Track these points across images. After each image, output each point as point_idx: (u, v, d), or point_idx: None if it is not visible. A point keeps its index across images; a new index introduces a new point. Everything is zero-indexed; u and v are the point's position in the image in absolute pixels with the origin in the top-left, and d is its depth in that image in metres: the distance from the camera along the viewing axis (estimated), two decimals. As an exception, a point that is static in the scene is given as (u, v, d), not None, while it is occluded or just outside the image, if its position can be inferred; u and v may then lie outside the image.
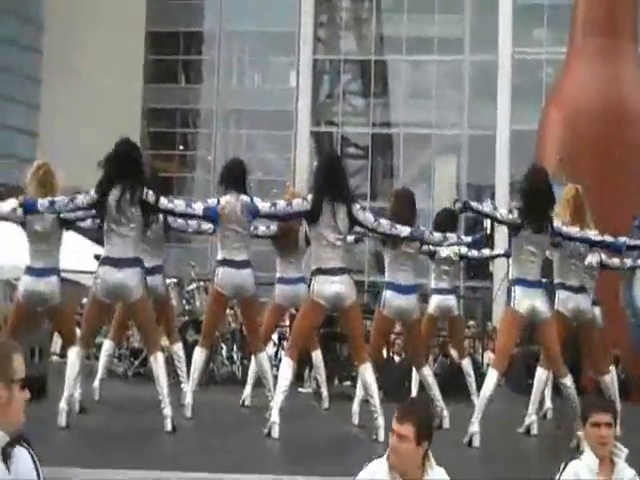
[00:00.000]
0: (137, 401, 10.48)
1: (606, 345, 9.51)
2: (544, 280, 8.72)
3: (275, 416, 8.04)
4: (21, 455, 3.77)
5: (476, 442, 8.07)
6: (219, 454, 7.24)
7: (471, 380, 10.75)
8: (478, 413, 8.18)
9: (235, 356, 13.97)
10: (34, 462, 3.62)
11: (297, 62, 45.32)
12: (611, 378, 8.97)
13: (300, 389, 12.90)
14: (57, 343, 15.49)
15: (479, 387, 9.42)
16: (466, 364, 10.96)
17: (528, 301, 8.37)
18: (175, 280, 13.93)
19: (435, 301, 10.82)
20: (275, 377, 10.01)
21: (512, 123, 40.88)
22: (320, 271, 8.39)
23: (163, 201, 8.27)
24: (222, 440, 8.08)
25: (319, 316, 8.59)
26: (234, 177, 9.25)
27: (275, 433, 7.92)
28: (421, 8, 43.51)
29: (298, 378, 13.05)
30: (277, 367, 12.56)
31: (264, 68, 48.26)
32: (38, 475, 3.60)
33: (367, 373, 8.44)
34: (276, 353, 14.52)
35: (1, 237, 12.91)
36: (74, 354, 8.29)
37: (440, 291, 10.77)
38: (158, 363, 8.32)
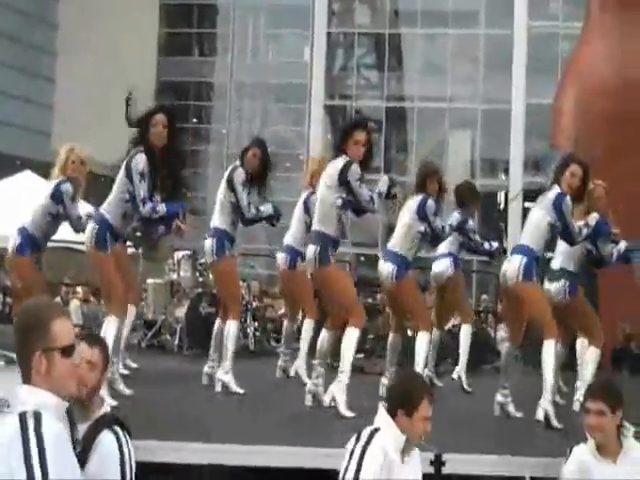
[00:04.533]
0: (152, 372, 10.54)
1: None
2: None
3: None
4: (105, 440, 3.83)
5: (554, 422, 7.65)
6: (249, 426, 7.26)
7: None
8: (547, 388, 7.77)
9: (249, 329, 14.01)
10: (119, 445, 3.62)
11: (311, 35, 45.22)
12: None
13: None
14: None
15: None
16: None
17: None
18: (189, 252, 13.98)
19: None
20: None
21: (527, 97, 40.72)
22: None
23: None
24: (251, 412, 8.08)
25: None
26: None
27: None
28: (436, -20, 43.38)
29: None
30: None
31: (278, 41, 48.18)
32: (122, 458, 3.61)
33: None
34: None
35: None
36: (113, 323, 8.03)
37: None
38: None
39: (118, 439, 4.10)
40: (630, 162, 14.17)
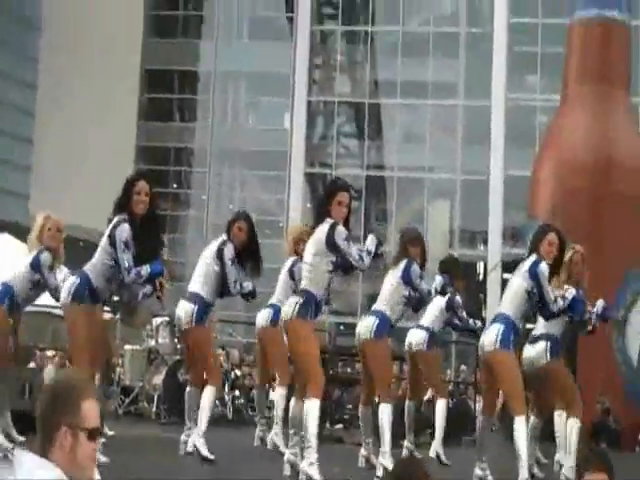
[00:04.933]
0: (129, 440, 10.45)
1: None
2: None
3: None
4: None
5: None
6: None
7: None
8: (523, 465, 7.69)
9: (227, 397, 13.95)
10: None
11: (291, 103, 45.54)
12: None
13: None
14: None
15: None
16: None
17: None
18: (167, 319, 13.95)
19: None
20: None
21: (506, 168, 41.03)
22: None
23: None
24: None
25: None
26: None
27: None
28: (415, 52, 43.85)
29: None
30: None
31: (258, 109, 48.46)
32: None
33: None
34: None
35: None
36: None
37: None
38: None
39: None
40: (605, 236, 14.29)
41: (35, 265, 8.94)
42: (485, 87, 42.44)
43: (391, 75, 44.44)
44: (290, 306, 7.81)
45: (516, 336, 8.03)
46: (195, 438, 8.64)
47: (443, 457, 10.13)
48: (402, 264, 9.21)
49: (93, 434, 3.15)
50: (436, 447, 10.21)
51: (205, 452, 8.54)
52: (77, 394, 3.17)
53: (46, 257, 8.89)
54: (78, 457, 3.12)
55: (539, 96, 40.44)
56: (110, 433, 10.03)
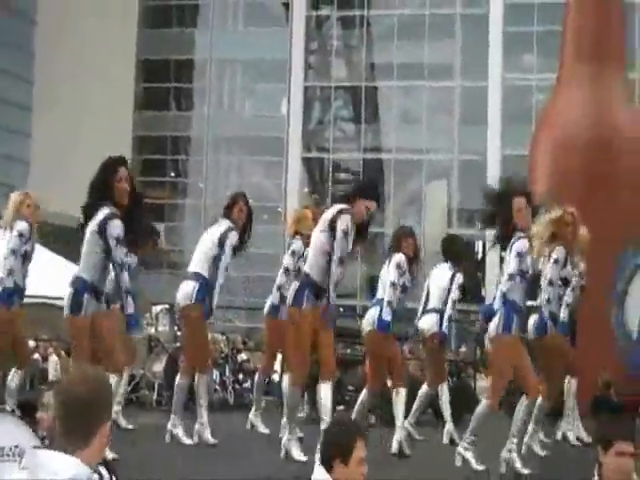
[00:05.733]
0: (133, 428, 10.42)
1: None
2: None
3: None
4: None
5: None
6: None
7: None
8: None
9: (227, 381, 13.93)
10: None
11: (288, 89, 45.48)
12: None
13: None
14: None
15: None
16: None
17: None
18: (167, 306, 13.94)
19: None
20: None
21: (503, 148, 41.02)
22: None
23: None
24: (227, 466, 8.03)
25: None
26: None
27: None
28: (411, 35, 43.75)
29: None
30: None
31: (255, 95, 48.42)
32: None
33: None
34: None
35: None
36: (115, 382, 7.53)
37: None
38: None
39: None
40: (603, 213, 14.22)
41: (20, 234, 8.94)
42: (482, 68, 42.37)
43: (387, 58, 44.38)
44: (289, 295, 8.16)
45: (519, 316, 8.09)
46: (200, 430, 8.71)
47: (457, 438, 10.04)
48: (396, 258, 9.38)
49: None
50: (450, 431, 10.14)
51: (183, 438, 8.81)
52: (110, 388, 3.39)
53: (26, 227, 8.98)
54: (106, 444, 3.31)
55: (536, 75, 40.34)
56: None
